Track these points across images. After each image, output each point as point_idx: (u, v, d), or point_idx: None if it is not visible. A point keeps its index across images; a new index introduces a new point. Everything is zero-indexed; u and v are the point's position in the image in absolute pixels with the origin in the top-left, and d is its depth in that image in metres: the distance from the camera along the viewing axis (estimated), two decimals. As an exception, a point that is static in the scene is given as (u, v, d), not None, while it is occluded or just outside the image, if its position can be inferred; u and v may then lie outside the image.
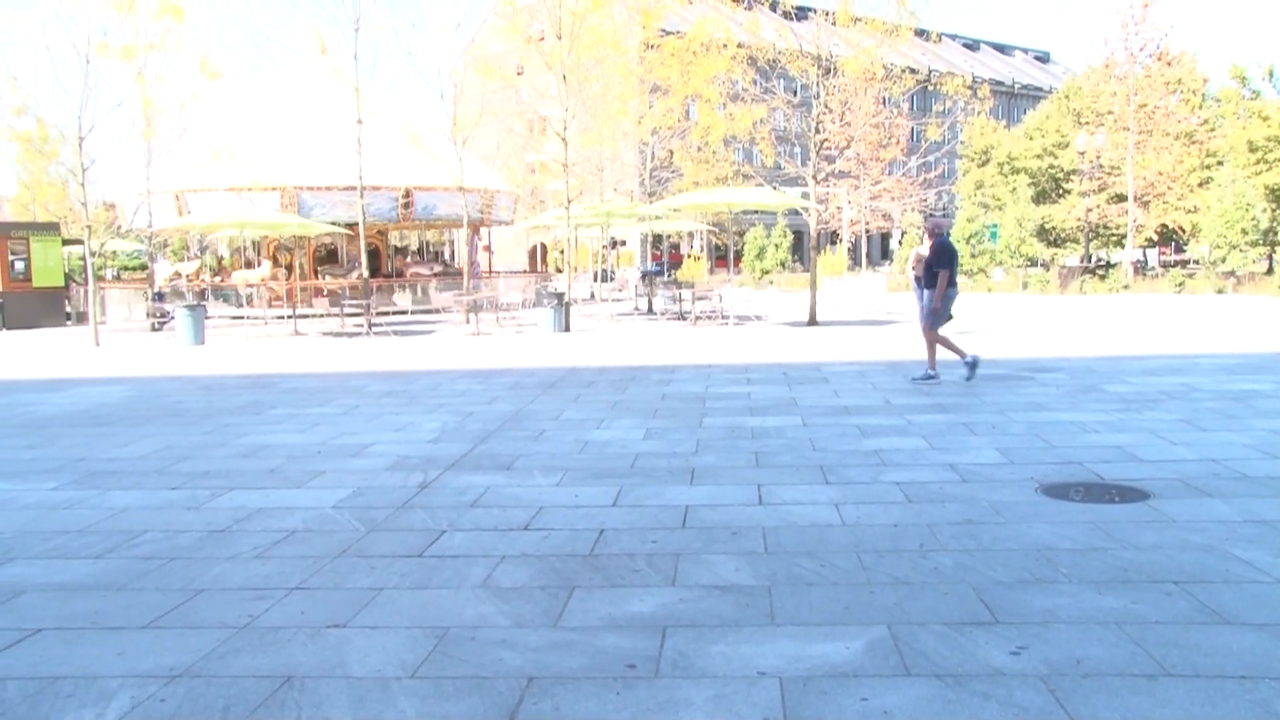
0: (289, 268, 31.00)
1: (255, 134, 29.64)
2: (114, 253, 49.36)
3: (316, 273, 32.06)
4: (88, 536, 6.22)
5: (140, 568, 5.57)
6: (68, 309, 28.18)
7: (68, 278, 29.42)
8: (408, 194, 30.13)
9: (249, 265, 33.31)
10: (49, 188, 41.75)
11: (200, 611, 4.87)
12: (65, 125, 24.97)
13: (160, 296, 27.13)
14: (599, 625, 4.59)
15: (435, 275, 32.60)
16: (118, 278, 40.86)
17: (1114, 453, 8.03)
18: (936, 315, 12.50)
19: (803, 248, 60.23)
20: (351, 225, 26.73)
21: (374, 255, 30.97)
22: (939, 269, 12.37)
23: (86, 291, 23.76)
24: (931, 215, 14.40)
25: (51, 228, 29.20)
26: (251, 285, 29.50)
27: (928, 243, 15.14)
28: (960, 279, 38.96)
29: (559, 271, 39.26)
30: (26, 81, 34.90)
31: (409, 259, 35.44)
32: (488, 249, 43.05)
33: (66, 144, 25.51)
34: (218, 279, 31.57)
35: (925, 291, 15.11)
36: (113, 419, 10.94)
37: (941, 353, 12.84)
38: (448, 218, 31.63)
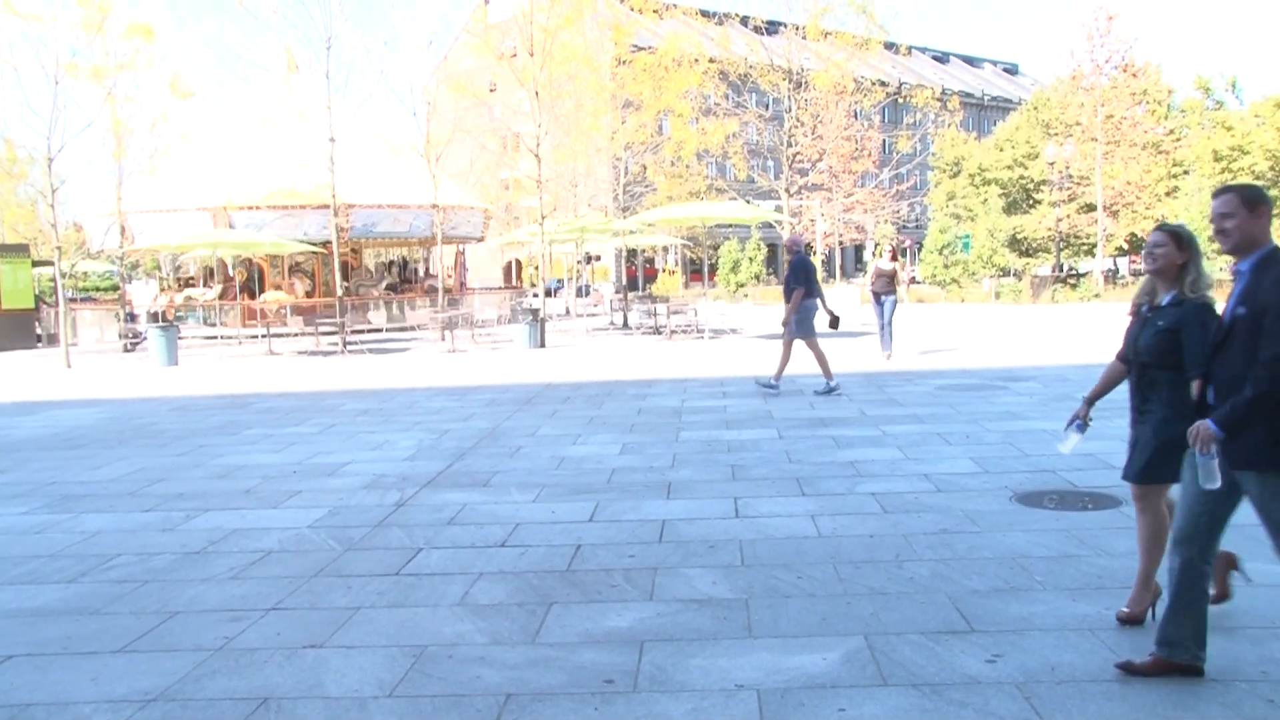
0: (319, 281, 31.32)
1: (204, 154, 29.29)
2: (85, 274, 48.98)
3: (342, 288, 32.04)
4: (60, 561, 6.16)
5: (114, 591, 5.52)
6: (38, 331, 27.90)
7: (38, 299, 29.14)
8: (346, 211, 29.64)
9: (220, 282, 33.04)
10: (18, 209, 41.39)
11: (175, 634, 4.84)
12: (34, 146, 24.76)
13: (133, 317, 26.90)
14: (577, 641, 4.59)
15: (385, 294, 31.85)
16: (89, 298, 40.51)
17: (1087, 460, 8.09)
18: (800, 326, 12.70)
19: (777, 261, 60.48)
20: (325, 243, 26.63)
21: (346, 272, 30.79)
22: (795, 285, 12.62)
23: (57, 313, 23.54)
24: (793, 234, 14.78)
25: (21, 249, 28.92)
26: (284, 306, 29.00)
27: (886, 256, 15.28)
28: (933, 290, 38.78)
29: (531, 285, 39.28)
30: (-6, 103, 34.63)
31: (365, 277, 35.01)
32: (463, 266, 43.01)
33: (35, 165, 25.29)
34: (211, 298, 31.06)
35: (885, 301, 15.38)
36: (85, 441, 10.84)
37: (811, 365, 13.02)
38: (391, 235, 31.05)
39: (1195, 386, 4.01)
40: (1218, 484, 3.71)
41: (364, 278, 33.50)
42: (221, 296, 29.79)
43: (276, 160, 26.35)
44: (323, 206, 28.35)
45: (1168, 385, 4.34)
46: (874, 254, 54.66)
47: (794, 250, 13.12)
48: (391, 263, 36.94)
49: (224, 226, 27.96)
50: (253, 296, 29.99)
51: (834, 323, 13.04)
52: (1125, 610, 4.58)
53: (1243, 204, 3.83)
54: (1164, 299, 4.42)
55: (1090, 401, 4.71)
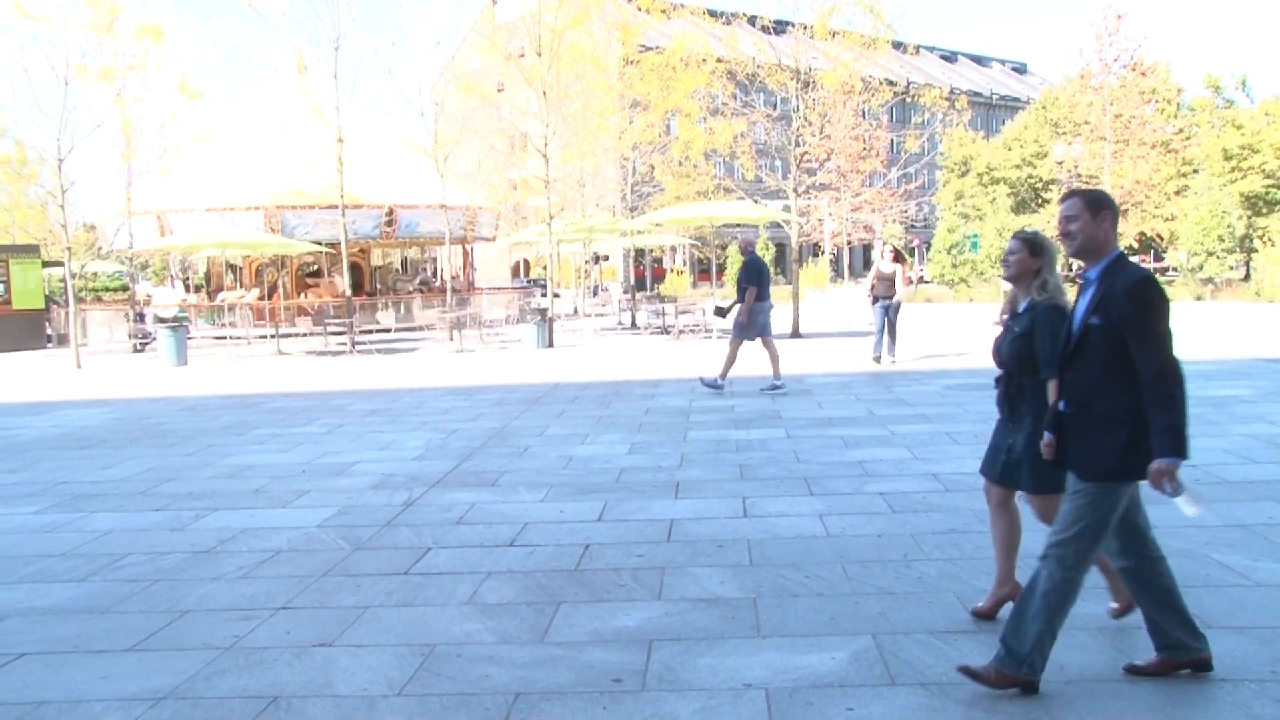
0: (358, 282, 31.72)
1: (238, 154, 29.58)
2: (94, 274, 49.10)
3: (372, 287, 32.69)
4: (71, 560, 6.19)
5: (124, 590, 5.55)
6: (48, 331, 28.01)
7: (48, 299, 29.25)
8: (390, 212, 30.17)
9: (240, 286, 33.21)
10: (28, 210, 41.49)
11: (185, 633, 4.86)
12: (44, 147, 24.82)
13: (142, 317, 26.99)
14: (585, 640, 4.60)
15: (417, 292, 32.69)
16: (98, 299, 40.65)
17: (1095, 460, 8.08)
18: (747, 329, 12.85)
19: (785, 260, 60.39)
20: (333, 244, 26.73)
21: (355, 272, 30.99)
22: (747, 285, 12.74)
23: (67, 313, 23.63)
24: (744, 235, 14.79)
25: (31, 250, 29.03)
26: (326, 304, 29.32)
27: (888, 257, 15.01)
28: (942, 289, 38.63)
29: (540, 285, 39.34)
30: (5, 104, 34.84)
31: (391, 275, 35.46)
32: (470, 265, 43.06)
33: (46, 166, 25.34)
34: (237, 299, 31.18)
35: (885, 304, 15.05)
36: (95, 441, 10.89)
37: (762, 365, 13.25)
38: (429, 235, 31.70)
39: (1052, 388, 4.05)
40: (1201, 509, 3.72)
41: (399, 275, 34.01)
42: (259, 298, 30.09)
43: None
44: (376, 207, 28.75)
45: (1033, 393, 4.39)
46: (880, 254, 54.51)
47: (746, 251, 13.23)
48: (405, 260, 37.26)
49: (276, 225, 28.35)
50: (285, 296, 30.27)
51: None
52: (981, 605, 4.68)
53: (1086, 208, 3.87)
54: (1022, 305, 4.47)
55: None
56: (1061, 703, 3.79)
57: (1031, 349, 4.33)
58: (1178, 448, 3.61)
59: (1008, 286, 4.56)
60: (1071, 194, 3.96)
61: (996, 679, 3.85)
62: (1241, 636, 4.36)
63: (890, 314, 15.55)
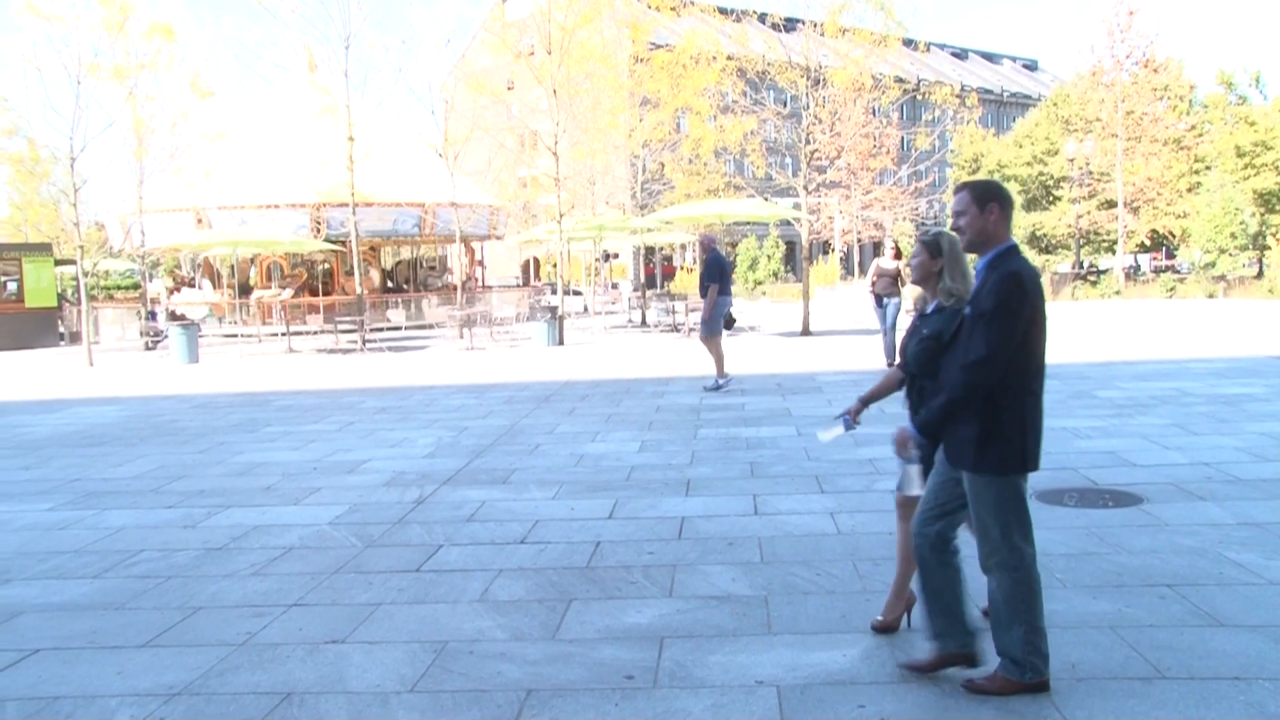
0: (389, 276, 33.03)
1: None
2: (106, 272, 49.30)
3: (397, 283, 33.50)
4: (85, 556, 6.23)
5: (138, 587, 5.58)
6: (61, 329, 28.13)
7: (60, 298, 29.39)
8: (429, 210, 30.57)
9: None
10: (41, 208, 41.72)
11: (198, 629, 4.89)
12: (57, 146, 24.98)
13: (154, 315, 27.09)
14: (597, 637, 4.60)
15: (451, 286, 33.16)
16: (110, 297, 40.78)
17: (1107, 458, 8.07)
18: (712, 324, 13.05)
19: (795, 258, 60.35)
20: (341, 240, 26.86)
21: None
22: (709, 282, 12.97)
23: (80, 311, 23.74)
24: (706, 232, 14.79)
25: (44, 248, 29.18)
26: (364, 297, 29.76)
27: (889, 254, 14.68)
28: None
29: (550, 284, 39.44)
30: (17, 103, 34.93)
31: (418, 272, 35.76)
32: (480, 263, 43.11)
33: (58, 165, 25.46)
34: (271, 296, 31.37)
35: (888, 303, 14.59)
36: (108, 439, 10.93)
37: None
38: (467, 233, 32.20)
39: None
40: (918, 491, 3.73)
41: (430, 271, 34.42)
42: (294, 295, 30.37)
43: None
44: (415, 205, 29.03)
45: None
46: (903, 249, 54.42)
47: (709, 248, 13.47)
48: (419, 259, 37.48)
49: (322, 222, 28.67)
50: (314, 293, 30.51)
51: (729, 323, 13.61)
52: (879, 619, 4.57)
53: (973, 201, 3.87)
54: (929, 307, 4.44)
55: (865, 402, 4.61)
56: (1073, 700, 3.78)
57: (937, 353, 4.23)
58: (929, 425, 3.74)
59: (916, 290, 4.53)
60: (961, 187, 3.97)
61: (1002, 687, 3.84)
62: (1255, 635, 4.34)
63: (894, 314, 14.83)
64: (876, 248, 73.53)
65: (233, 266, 30.63)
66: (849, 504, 6.87)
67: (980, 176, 56.02)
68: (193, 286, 33.73)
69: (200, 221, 28.76)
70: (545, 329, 21.95)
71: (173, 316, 26.17)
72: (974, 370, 3.67)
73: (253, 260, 32.59)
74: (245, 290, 30.85)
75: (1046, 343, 3.90)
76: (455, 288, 31.23)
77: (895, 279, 14.87)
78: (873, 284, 15.13)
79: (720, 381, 13.06)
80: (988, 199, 3.85)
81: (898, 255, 15.09)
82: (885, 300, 14.75)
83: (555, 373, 16.36)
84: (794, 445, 9.12)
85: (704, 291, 13.04)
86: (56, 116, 36.87)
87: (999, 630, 3.86)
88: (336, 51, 23.95)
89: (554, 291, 32.33)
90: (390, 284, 34.08)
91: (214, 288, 33.07)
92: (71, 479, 8.74)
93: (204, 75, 24.63)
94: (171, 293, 33.72)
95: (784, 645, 4.42)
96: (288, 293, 30.65)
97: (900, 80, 31.33)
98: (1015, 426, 3.74)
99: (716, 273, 12.98)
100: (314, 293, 30.82)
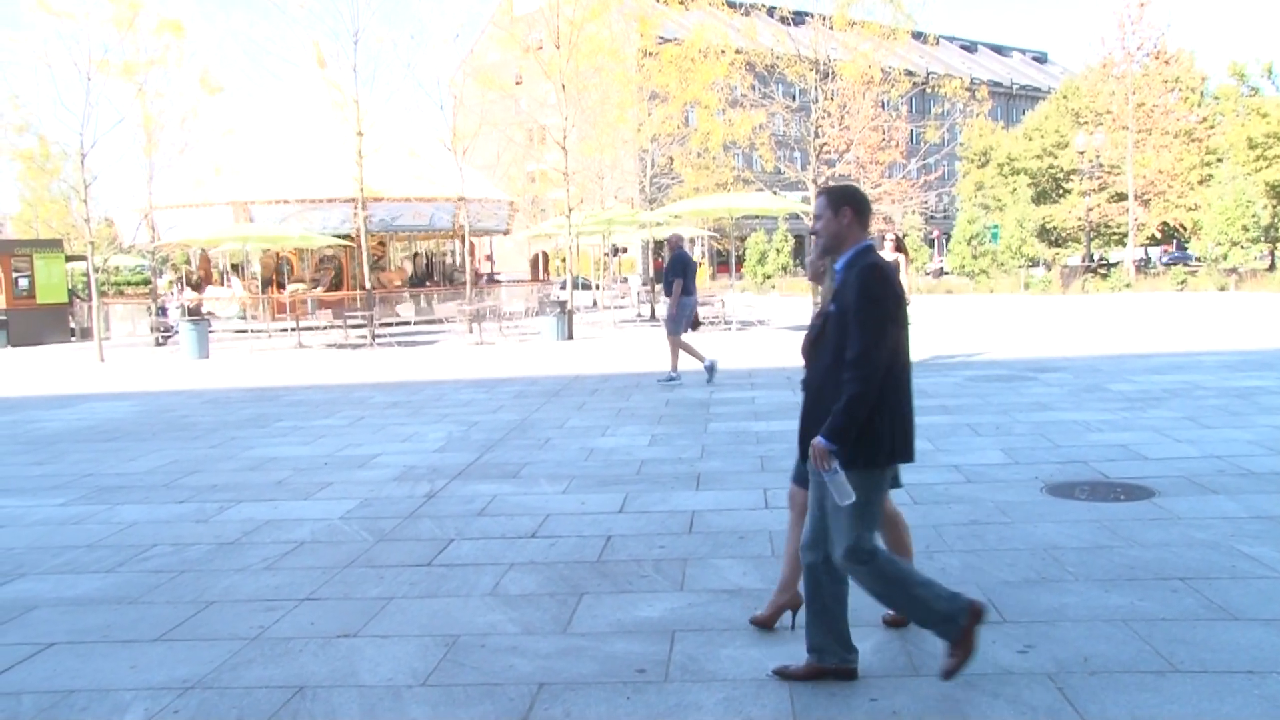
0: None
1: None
2: (116, 268, 49.46)
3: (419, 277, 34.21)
4: (98, 551, 6.25)
5: (150, 581, 5.60)
6: (72, 325, 28.22)
7: (71, 294, 29.48)
8: (459, 202, 30.74)
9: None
10: (51, 205, 41.83)
11: (211, 623, 4.90)
12: (67, 142, 24.98)
13: (164, 311, 27.16)
14: (608, 631, 4.61)
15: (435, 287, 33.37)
16: (120, 293, 40.90)
17: (1119, 451, 8.04)
18: (675, 321, 13.38)
19: (804, 252, 60.26)
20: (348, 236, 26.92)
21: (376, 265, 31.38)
22: (673, 278, 13.31)
23: (90, 307, 23.81)
24: (674, 232, 14.93)
25: (55, 244, 29.24)
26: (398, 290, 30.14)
27: (888, 247, 14.28)
28: (962, 280, 38.39)
29: (558, 277, 39.44)
30: (28, 100, 34.92)
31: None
32: (489, 258, 43.14)
33: (68, 161, 25.54)
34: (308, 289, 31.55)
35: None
36: (120, 434, 10.98)
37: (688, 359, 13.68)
38: (488, 228, 32.50)
39: None
40: (851, 499, 3.73)
41: (455, 267, 34.78)
42: (323, 289, 30.69)
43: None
44: (450, 200, 29.24)
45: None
46: (911, 244, 54.42)
47: (675, 247, 13.77)
48: (420, 253, 37.55)
49: (365, 217, 28.85)
50: (336, 289, 30.78)
51: (694, 324, 14.03)
52: (759, 614, 4.58)
53: (828, 205, 3.98)
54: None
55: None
56: (1086, 694, 3.78)
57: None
58: (838, 433, 3.70)
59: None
60: (820, 192, 4.09)
61: (809, 672, 3.95)
62: (1269, 629, 4.33)
63: None
64: (882, 241, 73.28)
65: (257, 263, 30.97)
66: (860, 498, 6.86)
67: (988, 168, 55.91)
68: (221, 284, 33.79)
69: (242, 216, 28.96)
70: (554, 323, 21.96)
71: (192, 312, 26.20)
72: (858, 366, 3.69)
73: (279, 256, 32.66)
74: (266, 286, 31.03)
75: (909, 338, 3.95)
76: (479, 277, 31.59)
77: (896, 272, 14.14)
78: None
79: (673, 375, 13.37)
80: (841, 203, 3.97)
81: (898, 248, 14.08)
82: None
83: (564, 367, 16.37)
84: (804, 439, 9.09)
85: (668, 289, 13.42)
86: (67, 113, 37.01)
87: (906, 612, 3.95)
88: (345, 47, 23.92)
89: (565, 287, 32.48)
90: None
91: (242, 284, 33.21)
92: (84, 474, 8.78)
93: (213, 71, 24.69)
94: (182, 289, 33.82)
95: (795, 639, 4.40)
96: (319, 289, 30.92)
97: (909, 73, 31.26)
98: (885, 421, 3.79)
99: (680, 270, 13.36)
100: (340, 288, 31.03)
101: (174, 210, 28.56)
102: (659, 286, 33.52)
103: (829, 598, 3.98)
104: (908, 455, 3.92)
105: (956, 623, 3.81)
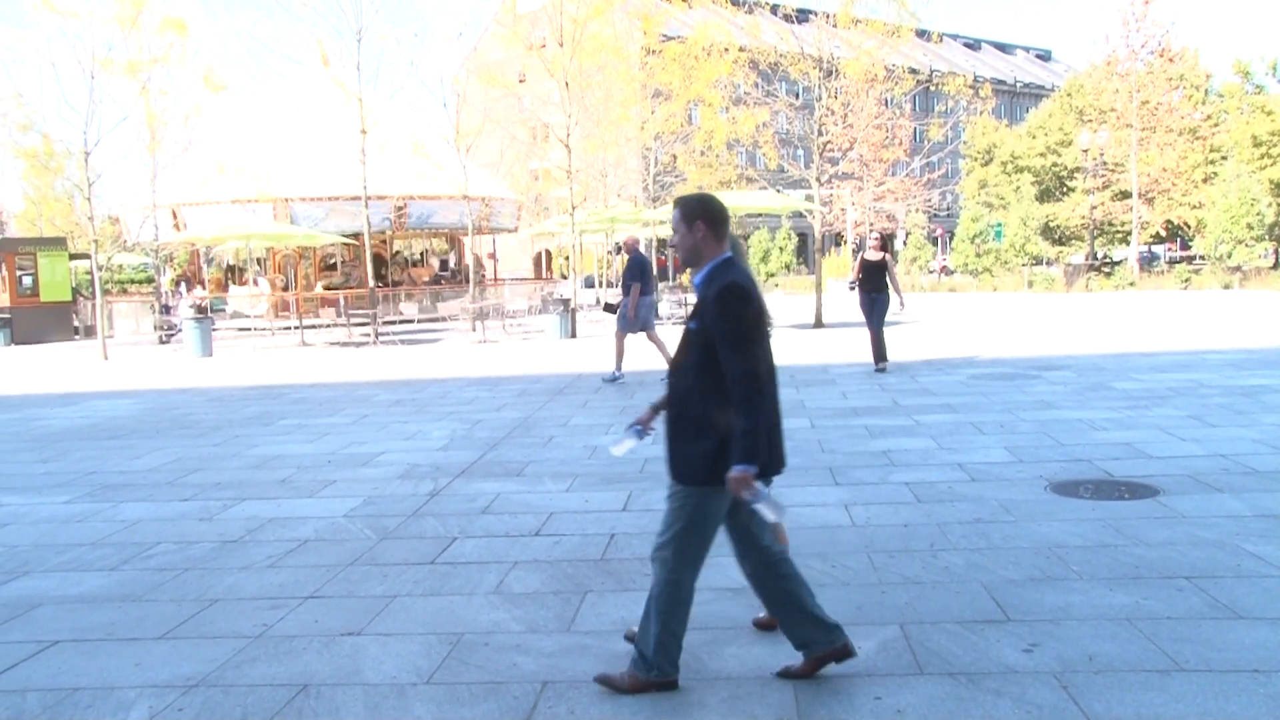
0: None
1: (254, 146, 29.74)
2: (120, 266, 49.50)
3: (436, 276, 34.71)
4: (102, 549, 6.26)
5: (155, 579, 5.60)
6: (75, 323, 28.26)
7: (75, 292, 29.52)
8: (487, 204, 31.02)
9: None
10: (55, 203, 41.94)
11: (215, 621, 4.91)
12: (71, 141, 25.08)
13: (167, 309, 27.19)
14: (612, 629, 4.61)
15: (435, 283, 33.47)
16: (124, 291, 40.95)
17: (1123, 450, 8.03)
18: (629, 322, 13.65)
19: (807, 250, 60.23)
20: (355, 235, 26.94)
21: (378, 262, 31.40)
22: (631, 281, 13.62)
23: (94, 305, 23.84)
24: (630, 234, 15.27)
25: (58, 242, 29.30)
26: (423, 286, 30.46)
27: (871, 245, 14.07)
28: (966, 279, 38.40)
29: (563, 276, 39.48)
30: (32, 98, 35.04)
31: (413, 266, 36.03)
32: (492, 256, 43.14)
33: (72, 159, 25.61)
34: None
35: (878, 299, 13.68)
36: (124, 432, 10.99)
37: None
38: (447, 226, 32.40)
39: None
40: (783, 513, 3.73)
41: (478, 265, 35.15)
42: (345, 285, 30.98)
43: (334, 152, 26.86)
44: (477, 198, 29.60)
45: None
46: (915, 241, 54.38)
47: (632, 250, 14.21)
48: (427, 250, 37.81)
49: (404, 213, 29.45)
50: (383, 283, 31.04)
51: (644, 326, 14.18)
52: (762, 616, 4.53)
53: (682, 219, 3.90)
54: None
55: (656, 409, 4.37)
56: (1091, 693, 3.77)
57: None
58: (749, 455, 3.62)
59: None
60: (675, 203, 3.99)
61: (630, 684, 3.88)
62: (1274, 627, 4.32)
63: (883, 313, 13.60)
64: (889, 239, 73.27)
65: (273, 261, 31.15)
66: (863, 496, 6.86)
67: (991, 166, 55.85)
68: (245, 284, 33.86)
69: (282, 213, 29.13)
70: (557, 321, 21.97)
71: (200, 310, 26.22)
72: (743, 384, 3.64)
73: (302, 254, 32.72)
74: (285, 285, 31.28)
75: (771, 348, 3.87)
76: (488, 279, 31.67)
77: (881, 271, 13.43)
78: (857, 279, 13.67)
79: (616, 375, 13.64)
80: (694, 216, 3.88)
81: (882, 246, 13.86)
82: (875, 296, 13.43)
83: (568, 365, 16.37)
84: (808, 437, 9.10)
85: (626, 290, 13.64)
86: (71, 111, 36.99)
87: (645, 623, 3.89)
88: (349, 45, 23.95)
89: (587, 285, 32.73)
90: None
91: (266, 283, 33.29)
92: (88, 472, 8.79)
93: (217, 69, 24.71)
94: (190, 287, 33.91)
95: (799, 637, 4.41)
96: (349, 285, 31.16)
97: (913, 71, 31.26)
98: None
99: (638, 272, 13.65)
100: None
101: (208, 207, 28.70)
102: (662, 285, 33.56)
103: (783, 594, 3.96)
104: (777, 467, 3.95)
105: (654, 666, 3.84)
